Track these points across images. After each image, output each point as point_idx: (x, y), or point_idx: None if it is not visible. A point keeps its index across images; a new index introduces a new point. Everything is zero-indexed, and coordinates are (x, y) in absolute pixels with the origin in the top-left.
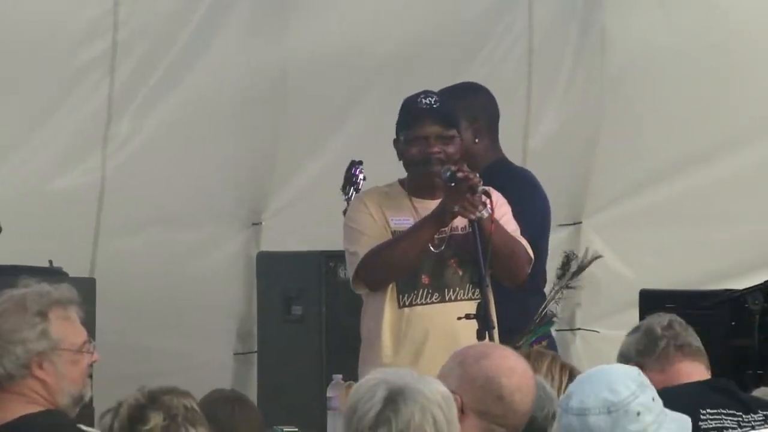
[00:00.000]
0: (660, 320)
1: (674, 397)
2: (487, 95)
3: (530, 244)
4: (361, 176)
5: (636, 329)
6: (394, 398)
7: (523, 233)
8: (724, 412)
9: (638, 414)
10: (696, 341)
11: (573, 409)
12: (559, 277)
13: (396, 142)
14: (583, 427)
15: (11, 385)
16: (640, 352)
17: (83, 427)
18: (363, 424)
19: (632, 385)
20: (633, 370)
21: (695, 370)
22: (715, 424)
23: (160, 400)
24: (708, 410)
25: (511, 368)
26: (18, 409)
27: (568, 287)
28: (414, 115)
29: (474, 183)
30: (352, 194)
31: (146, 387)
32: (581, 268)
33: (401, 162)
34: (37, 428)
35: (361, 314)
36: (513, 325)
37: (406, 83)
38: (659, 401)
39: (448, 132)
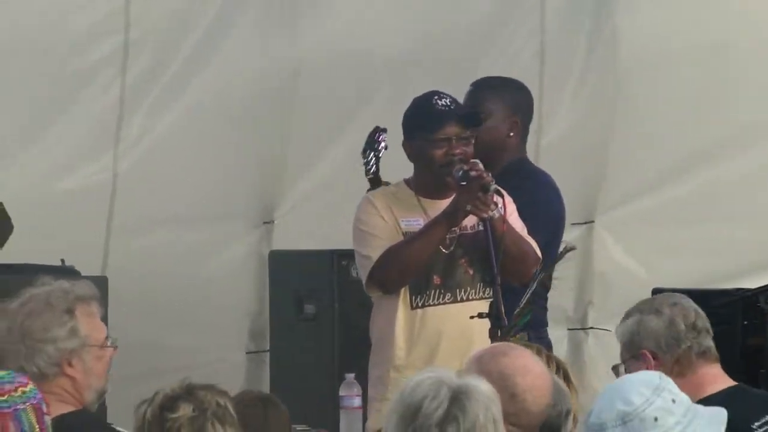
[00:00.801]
0: (683, 312)
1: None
2: (529, 96)
3: (543, 246)
4: (383, 144)
5: (656, 311)
6: (459, 396)
7: (535, 233)
8: (764, 420)
9: (656, 419)
10: (712, 341)
11: (592, 425)
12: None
13: (409, 143)
14: None
15: (43, 384)
16: (660, 346)
17: (117, 428)
18: (430, 422)
19: (646, 392)
20: (650, 376)
21: (716, 375)
22: None
23: (195, 394)
24: (756, 423)
25: (526, 367)
26: (51, 408)
27: (551, 279)
28: (434, 117)
29: (486, 182)
30: (371, 158)
31: (187, 379)
32: (555, 260)
33: (413, 162)
34: (77, 428)
35: (371, 316)
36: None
37: (415, 83)
38: (684, 401)
39: (466, 133)
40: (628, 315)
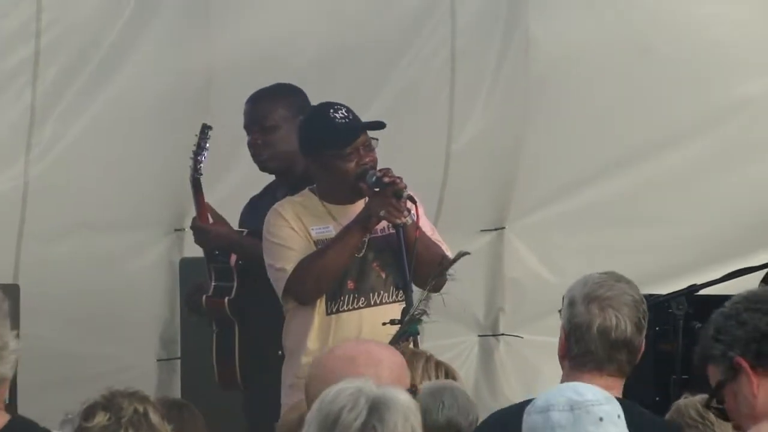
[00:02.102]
0: (605, 321)
1: None
2: (306, 98)
3: None
4: (208, 144)
5: (587, 307)
6: (378, 407)
7: None
8: None
9: (601, 419)
10: (623, 355)
11: (537, 407)
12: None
13: (313, 159)
14: (546, 422)
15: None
16: (572, 334)
17: None
18: None
19: (599, 395)
20: (605, 391)
21: (604, 384)
22: None
23: (114, 401)
24: None
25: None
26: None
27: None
28: (339, 134)
29: (399, 188)
30: (203, 160)
31: (113, 387)
32: (445, 267)
33: (319, 175)
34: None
35: (284, 326)
36: None
37: (330, 88)
38: (625, 423)
39: (370, 138)
40: (577, 289)
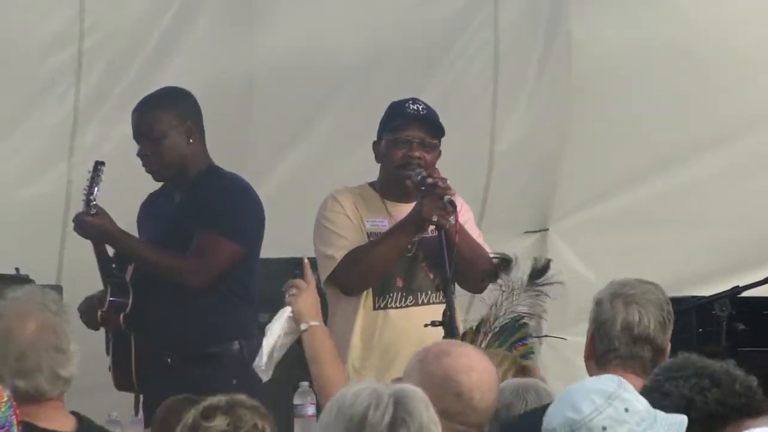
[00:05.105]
0: (627, 315)
1: None
2: (196, 103)
3: (246, 252)
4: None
5: (612, 303)
6: (402, 401)
7: (237, 238)
8: None
9: (604, 429)
10: (647, 352)
11: (544, 430)
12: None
13: (376, 143)
14: None
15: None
16: (597, 335)
17: None
18: (379, 430)
19: (598, 400)
20: (607, 382)
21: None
22: None
23: (235, 410)
24: None
25: (470, 366)
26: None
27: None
28: (400, 119)
29: (443, 190)
30: (96, 192)
31: (235, 395)
32: (539, 273)
33: (379, 164)
34: None
35: (328, 320)
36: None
37: (372, 89)
38: (639, 410)
39: (431, 140)
40: (603, 291)
